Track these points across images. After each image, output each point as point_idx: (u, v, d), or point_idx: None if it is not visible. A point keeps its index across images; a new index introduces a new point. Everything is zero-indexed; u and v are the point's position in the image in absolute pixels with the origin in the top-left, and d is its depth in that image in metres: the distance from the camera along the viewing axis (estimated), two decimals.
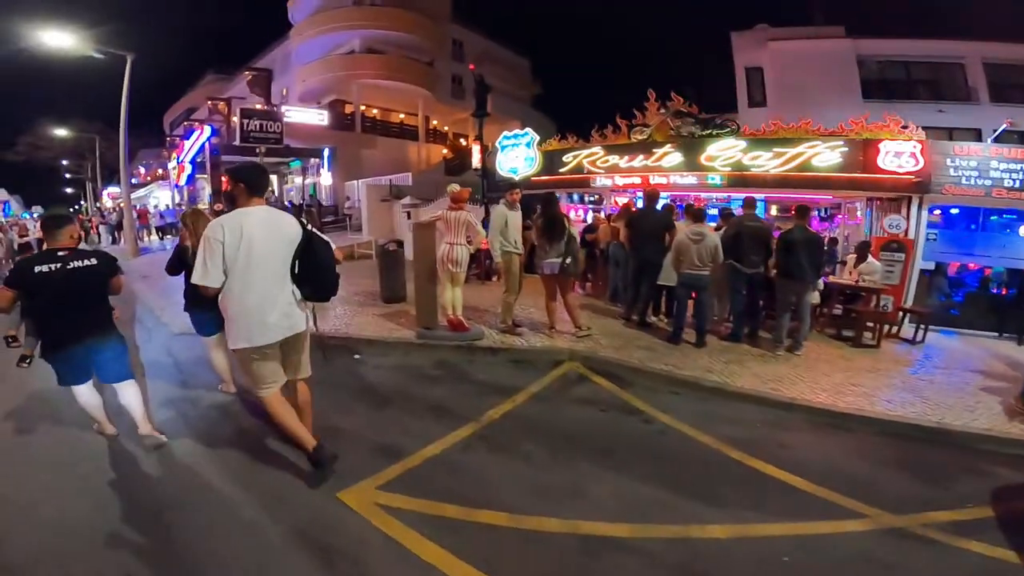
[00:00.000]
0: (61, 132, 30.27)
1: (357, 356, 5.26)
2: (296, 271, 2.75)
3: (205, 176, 21.59)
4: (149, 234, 20.80)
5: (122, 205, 15.74)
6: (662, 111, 9.70)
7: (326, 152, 22.32)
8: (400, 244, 7.18)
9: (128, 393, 3.25)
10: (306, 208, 19.30)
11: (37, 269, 2.84)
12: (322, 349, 3.71)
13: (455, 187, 5.34)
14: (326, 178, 22.17)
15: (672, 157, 9.60)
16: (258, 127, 16.22)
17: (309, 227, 2.84)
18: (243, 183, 2.70)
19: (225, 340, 2.88)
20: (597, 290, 8.56)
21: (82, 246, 3.37)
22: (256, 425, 3.62)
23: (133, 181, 24.70)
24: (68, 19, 13.24)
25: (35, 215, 22.80)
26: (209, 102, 23.41)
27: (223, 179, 19.85)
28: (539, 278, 5.63)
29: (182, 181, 21.57)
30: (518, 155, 11.61)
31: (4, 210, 39.43)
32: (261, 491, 2.89)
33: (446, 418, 3.89)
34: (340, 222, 18.38)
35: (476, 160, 12.58)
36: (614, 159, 10.34)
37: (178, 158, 22.25)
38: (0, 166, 39.96)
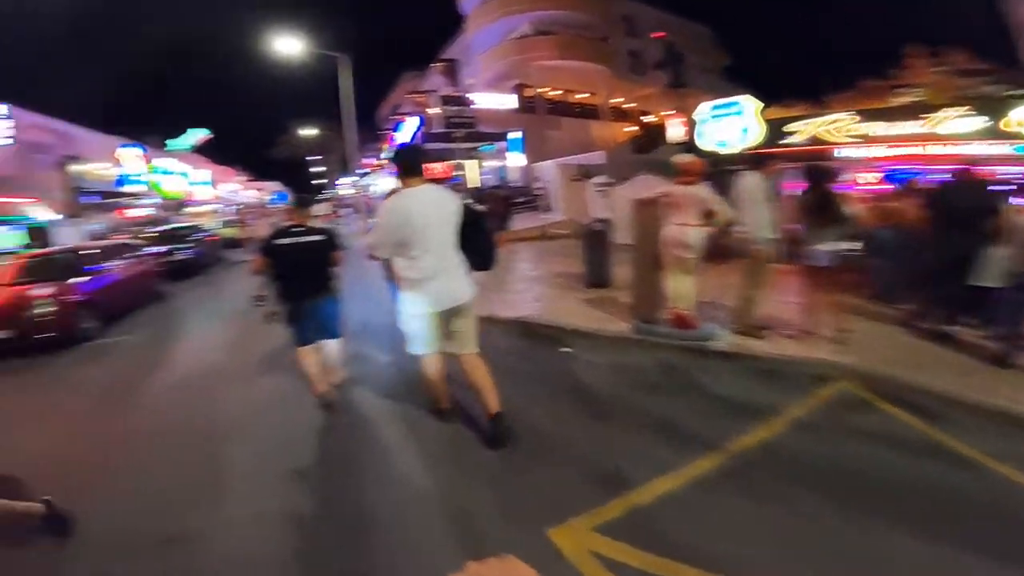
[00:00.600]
0: (307, 132, 36.91)
1: (566, 349, 4.84)
2: (463, 244, 3.02)
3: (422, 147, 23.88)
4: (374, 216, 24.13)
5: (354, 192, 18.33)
6: (935, 70, 7.55)
7: (515, 135, 22.90)
8: (605, 224, 6.55)
9: (332, 349, 3.92)
10: (489, 192, 20.01)
11: (279, 241, 3.64)
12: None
13: (685, 157, 4.48)
14: (516, 160, 22.77)
15: (960, 123, 7.37)
16: (456, 113, 17.19)
17: (468, 202, 3.11)
18: (401, 166, 3.02)
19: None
20: (858, 286, 6.83)
21: (323, 225, 4.07)
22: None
23: (360, 170, 28.76)
24: (294, 29, 16.04)
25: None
26: (410, 96, 25.85)
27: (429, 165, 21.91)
28: (793, 268, 4.48)
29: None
30: (728, 126, 10.13)
31: (280, 198, 50.26)
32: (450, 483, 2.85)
33: (680, 441, 3.21)
34: (531, 203, 18.68)
35: (677, 133, 11.31)
36: (869, 127, 8.26)
37: (391, 147, 25.02)
38: (270, 162, 50.84)
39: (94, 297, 7.89)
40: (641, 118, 28.44)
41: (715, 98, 11.45)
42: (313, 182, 56.07)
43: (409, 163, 2.99)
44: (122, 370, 5.93)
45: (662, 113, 28.63)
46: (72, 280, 7.74)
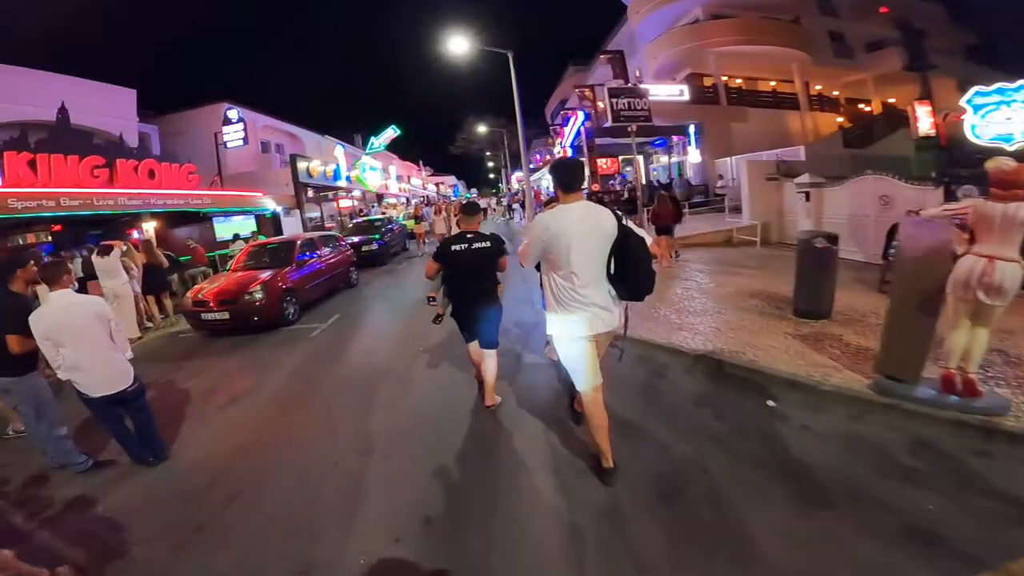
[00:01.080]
0: (482, 128, 38.98)
1: (770, 403, 3.77)
2: (611, 269, 2.76)
3: (583, 159, 23.64)
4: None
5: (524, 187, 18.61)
6: None
7: (691, 128, 20.97)
8: (833, 240, 5.14)
9: (490, 360, 3.98)
10: (658, 190, 18.51)
11: (453, 248, 3.79)
12: (619, 350, 3.53)
13: (1005, 162, 3.05)
14: (693, 156, 20.85)
15: None
16: (626, 106, 16.14)
17: (624, 221, 2.76)
18: (558, 180, 2.80)
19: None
20: None
21: (497, 220, 4.51)
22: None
23: (530, 166, 29.40)
24: (467, 29, 16.47)
25: (464, 197, 30.11)
26: (576, 90, 25.26)
27: (596, 161, 21.39)
28: None
29: None
30: (1011, 116, 7.66)
31: (454, 192, 54.48)
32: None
33: (946, 558, 2.20)
34: (712, 203, 16.86)
35: (923, 126, 8.84)
36: None
37: (560, 143, 24.91)
38: (448, 158, 55.18)
39: (298, 285, 8.93)
40: (856, 106, 23.86)
41: (967, 82, 8.85)
42: (489, 177, 59.79)
43: (566, 177, 2.78)
44: (307, 358, 6.34)
45: (887, 100, 23.59)
46: (285, 269, 8.81)
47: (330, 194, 23.95)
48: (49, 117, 11.79)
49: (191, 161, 15.10)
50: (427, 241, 16.90)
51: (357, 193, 27.36)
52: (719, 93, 22.75)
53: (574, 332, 2.77)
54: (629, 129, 13.91)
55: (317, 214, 22.53)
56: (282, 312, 8.24)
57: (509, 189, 40.26)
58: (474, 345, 4.08)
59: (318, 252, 10.18)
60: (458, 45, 15.40)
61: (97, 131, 13.70)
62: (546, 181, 34.51)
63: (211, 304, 7.99)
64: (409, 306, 8.65)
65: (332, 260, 10.50)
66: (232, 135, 18.91)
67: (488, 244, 3.81)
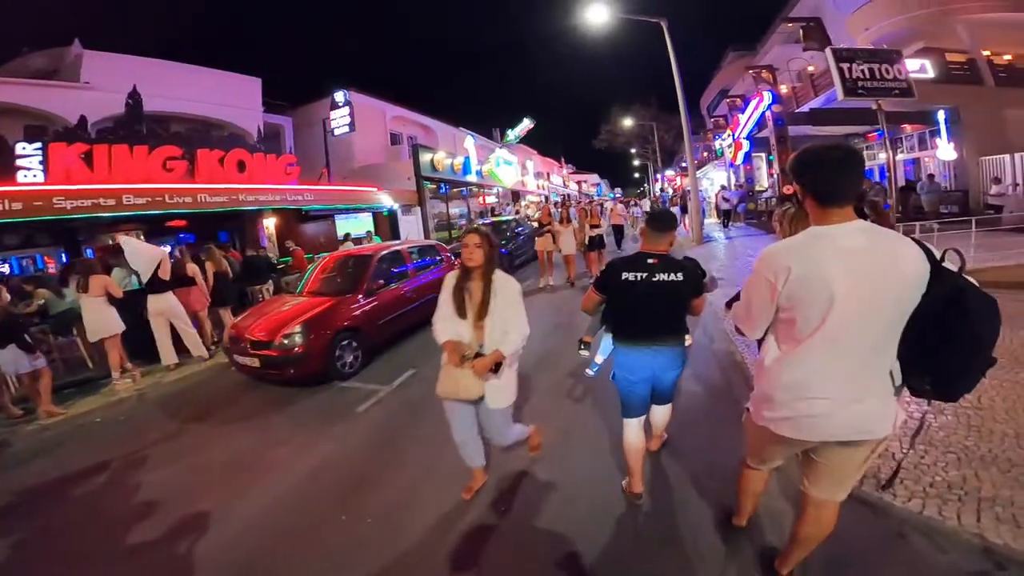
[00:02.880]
0: (627, 121, 34.54)
1: None
2: (911, 345, 1.60)
3: (760, 154, 18.60)
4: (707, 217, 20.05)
5: (684, 188, 14.93)
6: None
7: (941, 115, 14.62)
8: None
9: (660, 413, 3.15)
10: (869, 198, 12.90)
11: (625, 276, 2.69)
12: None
13: None
14: (945, 151, 14.52)
15: None
16: (866, 73, 10.81)
17: (948, 265, 1.54)
18: (810, 182, 1.63)
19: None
20: None
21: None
22: None
23: (683, 165, 24.75)
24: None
25: (613, 195, 26.48)
26: (750, 72, 19.86)
27: (786, 156, 16.27)
28: None
29: (738, 160, 19.14)
30: None
31: (597, 191, 50.54)
32: None
33: None
34: (979, 215, 10.95)
35: None
36: None
37: (732, 134, 20.09)
38: (592, 154, 51.19)
39: (366, 320, 6.40)
40: None
41: None
42: (634, 176, 54.58)
43: (831, 176, 1.57)
44: (345, 455, 4.12)
45: None
46: (348, 298, 6.40)
47: (463, 190, 22.01)
48: (175, 108, 11.10)
49: (320, 153, 14.14)
50: (552, 274, 10.24)
51: (498, 191, 25.24)
52: (980, 71, 15.87)
53: (784, 433, 1.78)
54: (875, 106, 8.99)
55: (458, 210, 20.75)
56: (331, 362, 5.79)
57: (665, 190, 34.98)
58: (634, 425, 2.87)
59: (404, 271, 7.46)
60: (599, 15, 12.83)
61: (221, 122, 13.06)
62: (707, 181, 29.03)
63: (244, 344, 5.77)
64: (534, 356, 5.68)
65: (424, 281, 7.71)
66: (339, 120, 17.63)
67: (678, 276, 2.59)
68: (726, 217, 17.94)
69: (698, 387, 4.62)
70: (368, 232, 14.90)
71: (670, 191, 32.73)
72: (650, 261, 2.66)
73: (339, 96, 17.66)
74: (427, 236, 16.15)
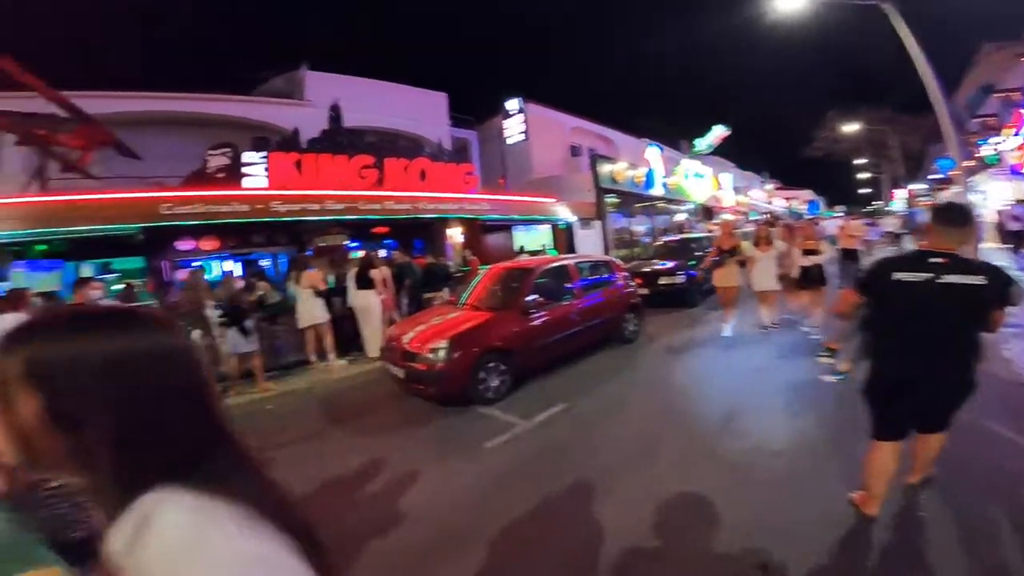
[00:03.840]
0: (851, 127, 28.37)
1: None
2: None
3: None
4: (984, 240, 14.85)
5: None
6: None
7: None
8: None
9: (930, 440, 2.61)
10: None
11: (896, 276, 2.32)
12: None
13: None
14: None
15: None
16: None
17: None
18: None
19: None
20: None
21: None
22: None
23: (936, 175, 19.13)
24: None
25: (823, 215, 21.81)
26: None
27: None
28: None
29: None
30: None
31: (809, 209, 42.95)
32: None
33: None
34: None
35: None
36: None
37: (1017, 132, 14.71)
38: (802, 166, 43.90)
39: (519, 342, 5.54)
40: None
41: None
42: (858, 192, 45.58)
43: None
44: (513, 462, 3.91)
45: None
46: (504, 315, 5.67)
47: (647, 205, 20.45)
48: (370, 122, 12.20)
49: (503, 165, 14.36)
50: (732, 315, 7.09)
51: (688, 206, 23.03)
52: None
53: None
54: None
55: (642, 226, 19.43)
56: (473, 385, 5.14)
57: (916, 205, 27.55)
58: (888, 449, 2.50)
59: (570, 289, 6.46)
60: (805, 6, 10.55)
61: (409, 134, 14.00)
62: (978, 196, 21.94)
63: (396, 353, 5.49)
64: (727, 397, 4.87)
65: (592, 303, 6.60)
66: (512, 129, 17.53)
67: (978, 280, 2.17)
68: (1017, 241, 12.90)
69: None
70: (543, 246, 14.41)
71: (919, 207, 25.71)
72: (936, 260, 2.28)
73: (512, 104, 17.78)
74: (606, 252, 15.02)
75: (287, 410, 5.85)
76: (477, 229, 12.32)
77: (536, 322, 5.75)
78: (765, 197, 38.09)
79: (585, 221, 15.89)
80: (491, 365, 5.24)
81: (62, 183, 8.63)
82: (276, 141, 9.59)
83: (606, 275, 7.25)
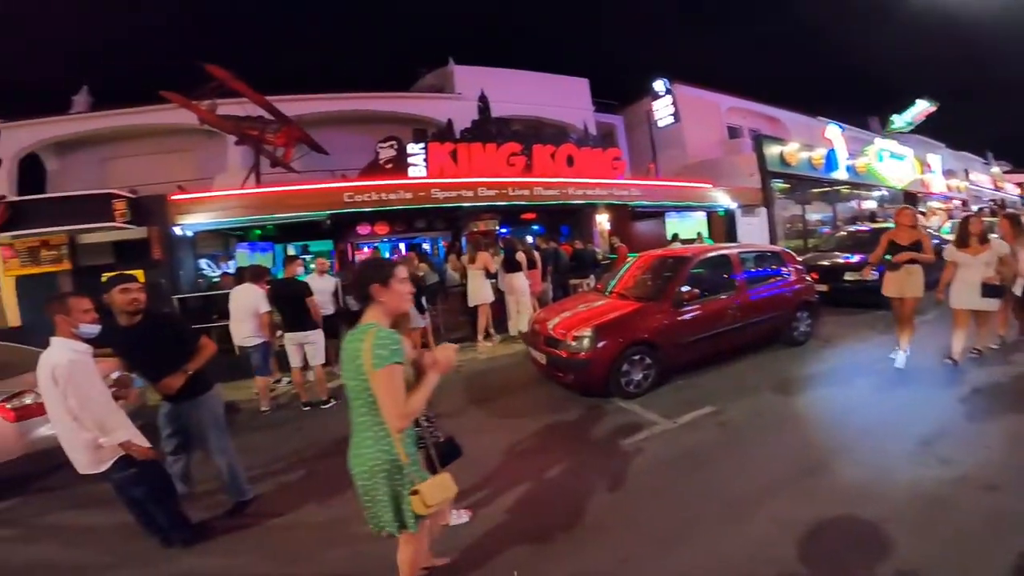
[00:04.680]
0: None
1: None
2: None
3: None
4: None
5: None
6: None
7: None
8: None
9: None
10: None
11: None
12: None
13: None
14: None
15: None
16: None
17: None
18: None
19: None
20: None
21: None
22: None
23: None
24: None
25: None
26: None
27: None
28: None
29: None
30: None
31: None
32: None
33: None
34: None
35: None
36: None
37: None
38: None
39: (668, 336, 5.11)
40: None
41: None
42: None
43: None
44: (652, 463, 3.64)
45: None
46: (653, 306, 5.24)
47: (828, 190, 17.81)
48: (515, 111, 12.44)
49: (649, 150, 13.75)
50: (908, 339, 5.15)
51: (884, 192, 19.60)
52: None
53: None
54: None
55: (820, 214, 17.19)
56: (615, 377, 4.85)
57: None
58: None
59: (731, 281, 5.77)
60: None
61: (555, 122, 13.97)
62: None
63: (539, 338, 5.45)
64: (924, 414, 4.04)
65: (758, 297, 5.83)
66: (662, 111, 16.31)
67: None
68: None
69: None
70: (699, 234, 13.35)
71: None
72: None
73: (659, 85, 16.64)
74: (773, 242, 13.40)
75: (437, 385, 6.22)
76: (625, 216, 11.88)
77: (689, 315, 5.23)
78: (990, 182, 30.44)
79: (748, 208, 14.32)
80: (636, 358, 4.91)
81: (271, 177, 10.34)
82: (433, 133, 10.30)
83: (775, 268, 6.34)
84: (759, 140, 15.23)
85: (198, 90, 9.43)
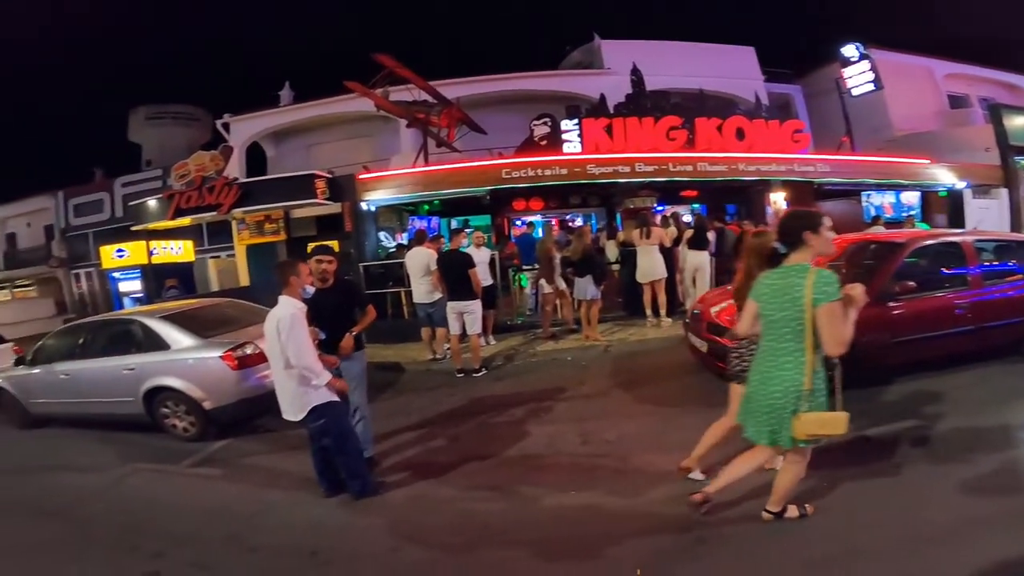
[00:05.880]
0: None
1: None
2: None
3: None
4: None
5: None
6: None
7: None
8: None
9: None
10: None
11: None
12: None
13: None
14: None
15: None
16: None
17: None
18: None
19: None
20: None
21: None
22: None
23: None
24: None
25: None
26: None
27: None
28: None
29: None
30: None
31: None
32: None
33: None
34: None
35: None
36: None
37: None
38: None
39: (880, 328, 4.26)
40: None
41: None
42: None
43: None
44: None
45: None
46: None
47: None
48: (673, 84, 11.67)
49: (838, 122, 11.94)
50: None
51: None
52: None
53: None
54: None
55: None
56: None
57: None
58: None
59: (962, 275, 4.67)
60: None
61: (717, 93, 12.79)
62: None
63: (701, 324, 4.99)
64: None
65: (994, 297, 4.61)
66: (857, 78, 13.70)
67: None
68: None
69: None
70: (908, 215, 11.19)
71: None
72: None
73: (849, 50, 14.05)
74: (1015, 230, 10.73)
75: (584, 363, 6.14)
76: (808, 194, 10.43)
77: (898, 311, 4.35)
78: None
79: (980, 188, 11.62)
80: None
81: (437, 156, 11.15)
82: (586, 109, 10.10)
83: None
84: (996, 110, 12.29)
85: (372, 79, 10.44)
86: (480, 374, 5.90)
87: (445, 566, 2.66)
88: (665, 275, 7.11)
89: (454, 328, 6.04)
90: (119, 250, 11.37)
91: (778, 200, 10.52)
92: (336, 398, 3.23)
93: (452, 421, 4.66)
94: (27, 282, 21.11)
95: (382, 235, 10.76)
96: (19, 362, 6.10)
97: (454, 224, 10.77)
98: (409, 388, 5.81)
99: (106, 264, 11.74)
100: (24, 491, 4.27)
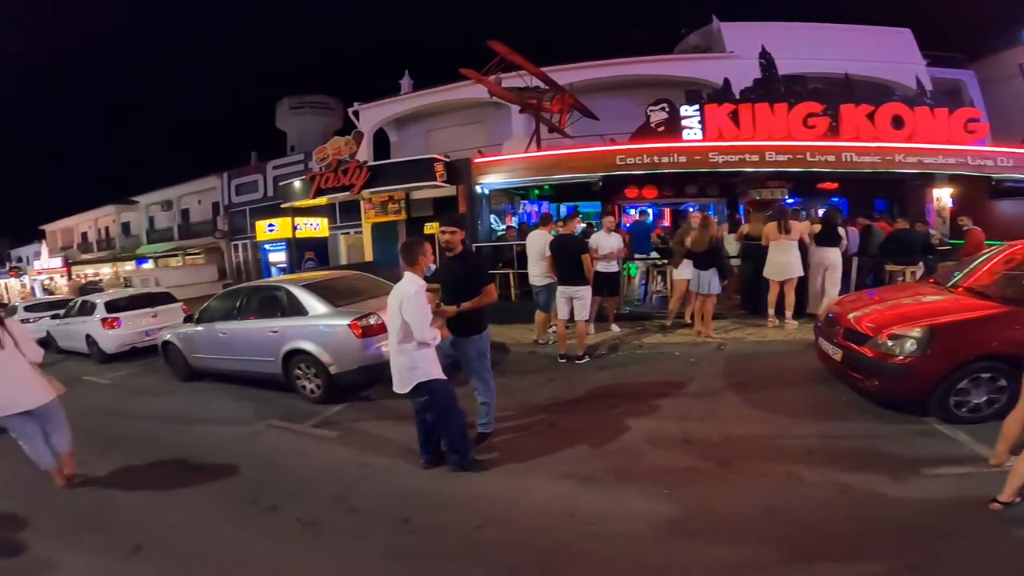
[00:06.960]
0: None
1: None
2: None
3: None
4: None
5: None
6: None
7: None
8: None
9: None
10: None
11: None
12: None
13: None
14: None
15: None
16: None
17: None
18: None
19: None
20: None
21: None
22: None
23: None
24: None
25: None
26: None
27: None
28: None
29: None
30: None
31: None
32: None
33: None
34: None
35: None
36: None
37: None
38: None
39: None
40: None
41: None
42: None
43: None
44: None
45: None
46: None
47: None
48: (810, 68, 10.54)
49: None
50: None
51: None
52: None
53: None
54: None
55: None
56: (943, 393, 3.73)
57: None
58: None
59: None
60: None
61: (869, 79, 11.30)
62: None
63: (836, 328, 4.54)
64: None
65: None
66: None
67: None
68: None
69: None
70: None
71: None
72: None
73: None
74: None
75: (694, 359, 5.85)
76: (981, 192, 8.96)
77: None
78: None
79: None
80: (984, 375, 3.67)
81: (549, 141, 11.21)
82: (708, 94, 9.49)
83: None
84: None
85: (486, 66, 10.69)
86: (583, 361, 5.88)
87: (525, 550, 2.69)
88: (801, 274, 6.63)
89: (562, 312, 6.06)
90: (270, 225, 13.05)
91: (942, 196, 9.14)
92: (441, 376, 3.41)
93: (552, 406, 4.69)
94: (196, 251, 24.88)
95: (492, 218, 11.11)
96: (187, 320, 6.83)
97: (563, 211, 10.81)
98: (512, 370, 5.90)
99: (260, 237, 13.52)
100: (178, 439, 4.78)
